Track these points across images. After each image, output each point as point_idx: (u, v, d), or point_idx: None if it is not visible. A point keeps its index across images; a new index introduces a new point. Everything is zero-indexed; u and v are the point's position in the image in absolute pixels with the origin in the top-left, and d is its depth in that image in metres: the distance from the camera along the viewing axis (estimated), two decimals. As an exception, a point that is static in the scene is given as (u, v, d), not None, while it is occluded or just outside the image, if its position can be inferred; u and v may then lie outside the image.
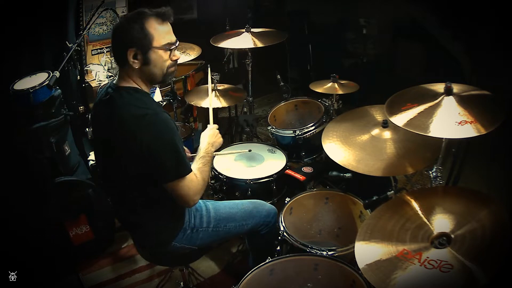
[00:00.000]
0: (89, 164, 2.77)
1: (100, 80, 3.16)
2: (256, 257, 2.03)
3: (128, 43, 1.48)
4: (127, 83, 1.56)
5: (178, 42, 1.59)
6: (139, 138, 1.46)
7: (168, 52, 1.55)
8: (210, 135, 1.82)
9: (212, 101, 2.05)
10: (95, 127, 1.70)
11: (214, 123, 1.94)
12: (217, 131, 1.87)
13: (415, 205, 1.39)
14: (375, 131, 1.87)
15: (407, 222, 1.34)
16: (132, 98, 1.52)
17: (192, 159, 1.77)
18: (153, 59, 1.52)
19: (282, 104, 2.97)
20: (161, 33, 1.52)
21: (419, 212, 1.36)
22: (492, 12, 2.56)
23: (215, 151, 1.85)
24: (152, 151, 1.48)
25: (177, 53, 1.60)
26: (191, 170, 1.58)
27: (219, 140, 1.85)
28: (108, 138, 1.56)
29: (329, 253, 1.76)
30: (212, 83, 2.18)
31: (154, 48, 1.51)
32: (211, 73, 2.31)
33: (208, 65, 2.37)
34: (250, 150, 2.52)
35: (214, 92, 2.71)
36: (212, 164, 2.37)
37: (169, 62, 1.57)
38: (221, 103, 2.73)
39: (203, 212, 1.84)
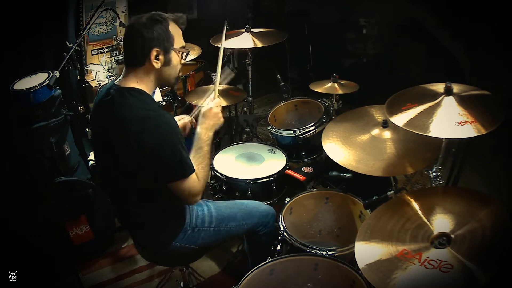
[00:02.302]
0: (89, 164, 2.77)
1: (100, 80, 3.16)
2: (254, 261, 2.02)
3: (153, 43, 1.50)
4: (131, 84, 1.55)
5: None
6: (142, 139, 1.46)
7: (181, 55, 1.62)
8: (211, 115, 1.74)
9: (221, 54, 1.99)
10: (96, 127, 1.69)
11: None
12: (219, 109, 1.77)
13: (415, 205, 1.39)
14: (375, 131, 1.87)
15: (407, 222, 1.34)
16: (136, 99, 1.52)
17: (192, 131, 1.73)
18: (172, 60, 1.58)
19: (282, 104, 2.96)
20: (178, 36, 1.59)
21: (419, 212, 1.36)
22: (492, 12, 2.57)
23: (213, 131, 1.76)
24: (155, 153, 1.48)
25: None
26: (194, 170, 1.58)
27: (220, 120, 1.77)
28: (109, 138, 1.56)
29: (329, 253, 1.76)
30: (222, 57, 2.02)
31: (175, 49, 1.56)
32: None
33: (226, 21, 2.34)
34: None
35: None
36: (211, 160, 2.38)
37: (180, 66, 1.64)
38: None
39: (205, 212, 1.84)
